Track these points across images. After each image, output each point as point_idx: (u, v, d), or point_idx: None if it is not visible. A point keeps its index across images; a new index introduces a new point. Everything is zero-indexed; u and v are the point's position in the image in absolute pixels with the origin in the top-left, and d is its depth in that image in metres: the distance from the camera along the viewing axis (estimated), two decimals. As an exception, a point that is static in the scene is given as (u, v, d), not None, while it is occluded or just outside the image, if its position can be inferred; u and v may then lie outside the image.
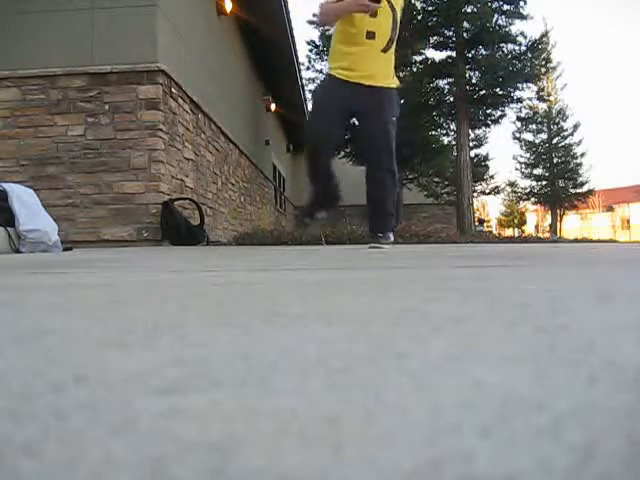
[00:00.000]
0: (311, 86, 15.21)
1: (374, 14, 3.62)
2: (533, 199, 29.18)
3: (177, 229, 5.24)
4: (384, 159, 3.65)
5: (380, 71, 3.69)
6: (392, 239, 3.76)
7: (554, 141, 27.31)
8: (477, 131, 17.85)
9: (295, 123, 15.06)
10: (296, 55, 11.05)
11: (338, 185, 3.83)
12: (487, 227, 29.43)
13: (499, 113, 14.41)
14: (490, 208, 48.77)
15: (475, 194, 20.11)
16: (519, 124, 26.19)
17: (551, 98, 26.61)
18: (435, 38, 13.57)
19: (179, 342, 0.51)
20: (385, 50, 3.67)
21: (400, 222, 4.01)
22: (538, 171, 27.94)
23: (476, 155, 19.64)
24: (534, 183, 28.12)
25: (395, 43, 3.74)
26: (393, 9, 3.67)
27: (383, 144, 3.66)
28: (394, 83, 3.82)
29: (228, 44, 8.71)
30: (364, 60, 3.64)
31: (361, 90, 3.62)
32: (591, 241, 8.92)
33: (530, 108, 21.95)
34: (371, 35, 3.64)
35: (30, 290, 1.11)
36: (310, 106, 3.91)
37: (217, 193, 7.56)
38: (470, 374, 0.37)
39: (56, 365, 0.42)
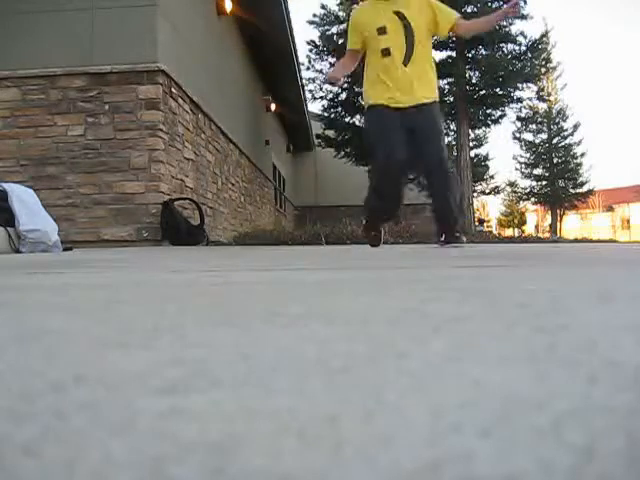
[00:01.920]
0: (311, 86, 15.23)
1: (384, 32, 3.60)
2: (533, 199, 29.20)
3: (177, 229, 5.24)
4: (439, 171, 3.62)
5: (415, 85, 3.62)
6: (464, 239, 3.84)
7: (554, 141, 27.32)
8: (477, 131, 17.86)
9: (295, 123, 15.07)
10: (296, 55, 11.05)
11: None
12: (487, 227, 29.42)
13: (499, 113, 14.41)
14: (490, 208, 48.79)
15: (475, 194, 20.12)
16: (519, 124, 26.22)
17: (551, 98, 26.63)
18: (435, 38, 13.54)
19: (179, 342, 0.51)
20: (405, 61, 3.60)
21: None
22: (538, 171, 27.95)
23: (476, 155, 19.64)
24: (534, 183, 28.14)
25: (424, 53, 3.67)
26: (403, 18, 3.61)
27: (438, 156, 3.64)
28: (434, 97, 3.74)
29: (228, 44, 8.71)
30: (393, 78, 3.61)
31: (407, 111, 3.60)
32: (591, 241, 8.92)
33: (530, 108, 21.95)
34: (386, 52, 3.61)
35: (30, 290, 1.11)
36: (370, 143, 3.85)
37: (217, 193, 7.56)
38: (470, 374, 0.37)
39: (56, 365, 0.42)
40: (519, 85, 13.38)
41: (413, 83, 3.62)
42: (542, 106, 25.69)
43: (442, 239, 3.77)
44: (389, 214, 4.14)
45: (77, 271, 1.75)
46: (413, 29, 3.62)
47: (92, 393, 0.34)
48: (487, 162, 21.37)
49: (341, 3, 14.91)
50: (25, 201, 3.80)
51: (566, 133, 27.35)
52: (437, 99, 3.77)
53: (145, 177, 5.21)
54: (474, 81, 13.42)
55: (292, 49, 10.48)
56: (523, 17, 13.16)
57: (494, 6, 12.87)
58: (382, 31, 3.62)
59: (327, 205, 18.08)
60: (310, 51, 15.49)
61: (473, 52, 13.46)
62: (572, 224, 36.42)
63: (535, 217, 42.46)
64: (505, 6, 3.82)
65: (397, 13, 3.62)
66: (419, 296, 0.88)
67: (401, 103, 3.62)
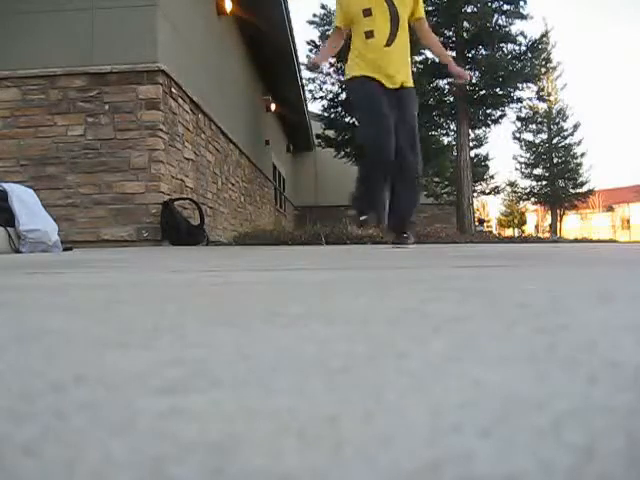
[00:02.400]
0: (311, 86, 15.23)
1: (369, 13, 3.64)
2: (533, 199, 29.18)
3: (177, 229, 5.24)
4: (411, 155, 3.62)
5: (396, 68, 3.66)
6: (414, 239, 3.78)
7: (554, 141, 27.30)
8: (477, 131, 17.83)
9: (295, 123, 15.06)
10: (296, 55, 11.04)
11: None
12: (487, 227, 29.41)
13: (499, 113, 14.40)
14: (490, 208, 48.74)
15: (475, 194, 20.10)
16: (519, 124, 26.17)
17: (551, 98, 26.61)
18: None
19: (179, 342, 0.51)
20: (388, 44, 3.65)
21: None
22: (538, 171, 27.93)
23: (476, 155, 19.63)
24: (534, 183, 28.12)
25: (404, 39, 3.72)
26: (390, 3, 3.66)
27: (411, 140, 3.63)
28: (412, 83, 3.81)
29: (228, 44, 8.70)
30: (375, 60, 3.65)
31: (389, 89, 3.63)
32: (591, 241, 8.92)
33: (530, 108, 21.91)
34: (370, 34, 3.65)
35: (30, 290, 1.11)
36: (355, 111, 3.82)
37: (217, 193, 7.56)
38: (470, 374, 0.37)
39: (56, 365, 0.42)
40: (519, 85, 13.38)
41: (394, 66, 3.67)
42: (542, 106, 25.67)
43: (396, 240, 3.74)
44: (385, 170, 3.75)
45: (77, 271, 1.75)
46: (398, 14, 3.68)
47: (92, 393, 0.34)
48: (487, 162, 21.35)
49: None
50: (25, 201, 3.80)
51: (566, 133, 27.33)
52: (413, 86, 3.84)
53: (145, 177, 5.21)
54: (474, 81, 13.41)
55: (292, 49, 10.48)
56: (523, 17, 13.15)
57: (494, 6, 12.89)
58: (367, 13, 3.66)
59: (327, 205, 18.08)
60: (310, 51, 15.48)
61: (473, 52, 13.45)
62: (572, 224, 36.41)
63: (535, 217, 42.45)
64: (459, 72, 3.93)
65: None
66: (419, 296, 0.88)
67: (382, 82, 3.66)
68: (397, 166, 3.64)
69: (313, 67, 3.97)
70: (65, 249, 3.95)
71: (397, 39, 3.68)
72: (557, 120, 27.32)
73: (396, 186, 3.70)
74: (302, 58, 13.26)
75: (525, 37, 13.20)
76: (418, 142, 3.69)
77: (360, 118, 3.88)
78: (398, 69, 3.69)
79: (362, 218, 3.78)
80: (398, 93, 3.67)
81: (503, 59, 12.90)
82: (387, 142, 3.56)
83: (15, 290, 1.11)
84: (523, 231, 34.50)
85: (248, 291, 1.04)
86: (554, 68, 25.93)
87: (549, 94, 26.20)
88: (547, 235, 21.80)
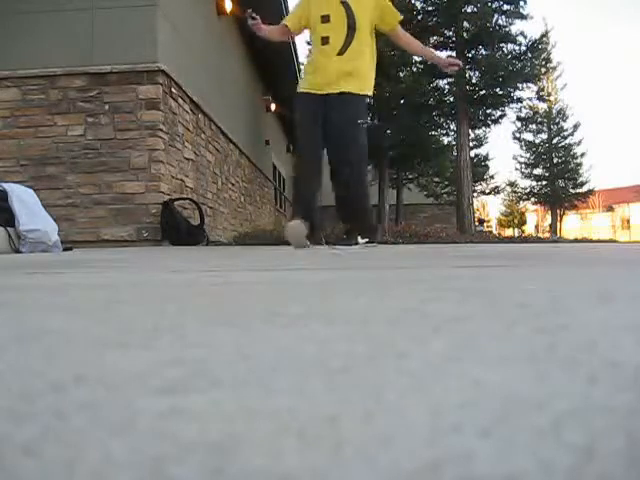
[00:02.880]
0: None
1: (327, 20, 3.62)
2: (533, 199, 29.17)
3: (177, 229, 5.24)
4: (347, 163, 3.63)
5: (340, 75, 3.63)
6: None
7: (554, 141, 27.29)
8: (477, 131, 17.84)
9: (295, 123, 15.04)
10: (296, 55, 11.05)
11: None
12: (487, 227, 29.42)
13: (499, 113, 14.40)
14: (490, 208, 48.73)
15: (475, 194, 20.11)
16: (519, 124, 26.19)
17: (551, 98, 26.61)
18: (435, 38, 13.55)
19: (179, 342, 0.51)
20: (341, 53, 3.62)
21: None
22: (538, 171, 27.92)
23: (476, 155, 19.64)
24: (534, 183, 28.11)
25: (362, 47, 3.67)
26: (348, 10, 3.62)
27: (349, 143, 3.63)
28: (365, 90, 3.74)
29: (228, 44, 8.70)
30: (324, 66, 3.65)
31: (327, 98, 3.63)
32: (591, 241, 8.92)
33: (530, 108, 21.91)
34: (325, 40, 3.65)
35: (30, 290, 1.11)
36: (296, 128, 3.87)
37: (217, 193, 7.56)
38: (470, 374, 0.37)
39: (56, 365, 0.42)
40: (519, 85, 13.37)
41: (342, 74, 3.63)
42: (542, 106, 25.67)
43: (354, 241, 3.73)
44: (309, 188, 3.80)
45: (77, 271, 1.75)
46: (356, 22, 3.63)
47: (92, 393, 0.34)
48: (487, 162, 21.37)
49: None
50: (25, 201, 3.80)
51: (566, 133, 27.32)
52: (368, 93, 3.78)
53: (145, 177, 5.21)
54: (474, 81, 13.41)
55: (292, 49, 10.48)
56: (523, 17, 13.15)
57: (494, 6, 12.88)
58: (326, 19, 3.64)
59: (327, 205, 18.08)
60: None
61: (473, 52, 13.45)
62: (572, 224, 36.42)
63: (535, 217, 42.45)
64: (450, 60, 3.90)
65: (344, 3, 3.64)
66: (419, 296, 0.88)
67: (324, 91, 3.64)
68: (331, 171, 3.73)
69: (252, 25, 3.93)
70: (65, 249, 3.95)
71: (352, 47, 3.64)
72: (557, 120, 27.31)
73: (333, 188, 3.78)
74: (302, 58, 13.27)
75: (525, 37, 13.19)
76: (354, 144, 3.68)
77: (297, 134, 3.90)
78: (346, 77, 3.64)
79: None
80: (339, 99, 3.64)
81: (503, 59, 12.89)
82: (311, 173, 3.68)
83: (15, 290, 1.11)
84: (523, 231, 34.49)
85: (248, 291, 1.04)
86: (554, 68, 25.92)
87: (549, 94, 26.19)
88: (547, 235, 21.80)
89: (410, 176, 17.13)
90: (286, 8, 8.90)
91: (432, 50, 4.12)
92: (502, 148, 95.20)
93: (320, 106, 3.63)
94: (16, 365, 0.43)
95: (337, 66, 3.62)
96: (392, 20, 3.78)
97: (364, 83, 3.75)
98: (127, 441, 0.26)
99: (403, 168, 16.16)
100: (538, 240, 7.91)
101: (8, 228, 3.64)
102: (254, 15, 3.81)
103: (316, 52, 3.73)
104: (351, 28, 3.63)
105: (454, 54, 13.40)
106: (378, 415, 0.30)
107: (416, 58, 14.48)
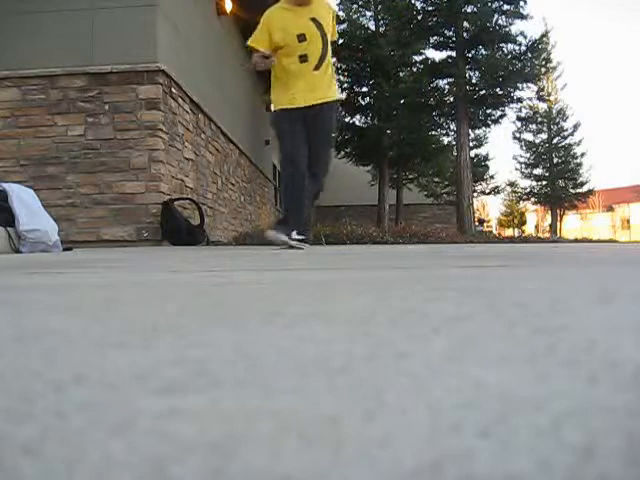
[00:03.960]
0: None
1: (304, 39, 3.75)
2: (533, 199, 29.15)
3: (177, 229, 5.24)
4: (322, 169, 3.93)
5: (318, 86, 3.83)
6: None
7: (554, 141, 27.27)
8: (477, 131, 17.85)
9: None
10: (296, 55, 11.03)
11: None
12: (487, 227, 29.42)
13: (499, 113, 14.40)
14: (490, 208, 48.67)
15: (475, 194, 20.09)
16: (519, 124, 26.19)
17: (551, 98, 26.59)
18: (435, 38, 13.57)
19: (179, 342, 0.51)
20: (317, 67, 3.79)
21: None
22: (538, 171, 27.90)
23: (476, 155, 19.63)
24: (534, 183, 28.08)
25: (329, 58, 3.89)
26: (319, 26, 3.75)
27: (326, 152, 3.97)
28: (336, 95, 4.05)
29: (228, 44, 8.70)
30: (304, 81, 3.80)
31: (310, 110, 3.79)
32: (591, 241, 8.92)
33: (530, 108, 21.92)
34: (304, 58, 3.76)
35: (30, 290, 1.11)
36: (279, 141, 4.04)
37: (217, 193, 7.56)
38: (470, 374, 0.37)
39: (56, 365, 0.42)
40: (519, 85, 13.37)
41: (319, 86, 3.83)
42: (542, 106, 25.66)
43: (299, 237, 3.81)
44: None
45: (77, 271, 1.75)
46: (326, 36, 3.81)
47: (92, 393, 0.34)
48: (487, 162, 21.35)
49: (341, 3, 14.92)
50: (25, 201, 3.80)
51: (566, 133, 27.29)
52: (338, 97, 4.06)
53: (145, 177, 5.21)
54: (474, 81, 13.41)
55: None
56: (523, 17, 13.16)
57: (494, 6, 12.89)
58: (302, 38, 3.74)
59: (327, 205, 18.09)
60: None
61: (473, 52, 13.45)
62: (572, 224, 36.41)
63: (535, 217, 42.43)
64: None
65: (313, 20, 3.75)
66: (419, 296, 0.88)
67: (304, 103, 3.80)
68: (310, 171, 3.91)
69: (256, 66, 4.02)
70: (65, 249, 3.95)
71: (325, 61, 3.82)
72: (557, 120, 27.29)
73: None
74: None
75: (525, 37, 13.20)
76: (329, 152, 4.04)
77: (280, 147, 4.05)
78: (323, 87, 3.85)
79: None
80: (319, 109, 3.83)
81: (503, 59, 12.89)
82: (298, 183, 3.82)
83: (15, 290, 1.11)
84: (523, 231, 34.48)
85: (248, 291, 1.04)
86: (554, 68, 25.89)
87: (549, 94, 26.18)
88: (547, 235, 21.79)
89: (410, 176, 17.13)
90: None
91: None
92: (502, 148, 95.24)
93: (300, 119, 3.81)
94: (16, 365, 0.43)
95: (315, 80, 3.81)
96: (334, 29, 4.02)
97: (334, 89, 4.07)
98: (127, 441, 0.26)
99: (403, 168, 16.17)
100: (538, 240, 7.91)
101: (8, 228, 3.63)
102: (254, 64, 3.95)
103: (293, 69, 3.82)
104: (325, 43, 3.80)
105: (454, 54, 13.43)
106: (378, 415, 0.30)
107: (416, 58, 14.50)
